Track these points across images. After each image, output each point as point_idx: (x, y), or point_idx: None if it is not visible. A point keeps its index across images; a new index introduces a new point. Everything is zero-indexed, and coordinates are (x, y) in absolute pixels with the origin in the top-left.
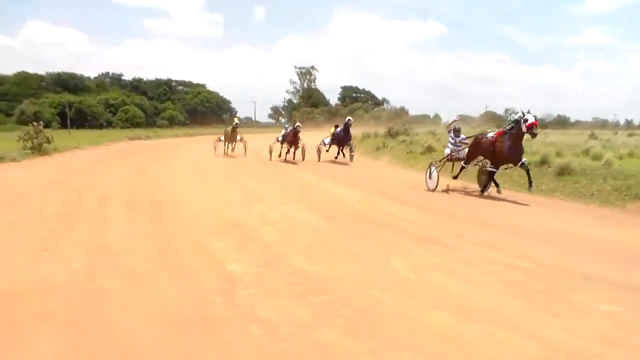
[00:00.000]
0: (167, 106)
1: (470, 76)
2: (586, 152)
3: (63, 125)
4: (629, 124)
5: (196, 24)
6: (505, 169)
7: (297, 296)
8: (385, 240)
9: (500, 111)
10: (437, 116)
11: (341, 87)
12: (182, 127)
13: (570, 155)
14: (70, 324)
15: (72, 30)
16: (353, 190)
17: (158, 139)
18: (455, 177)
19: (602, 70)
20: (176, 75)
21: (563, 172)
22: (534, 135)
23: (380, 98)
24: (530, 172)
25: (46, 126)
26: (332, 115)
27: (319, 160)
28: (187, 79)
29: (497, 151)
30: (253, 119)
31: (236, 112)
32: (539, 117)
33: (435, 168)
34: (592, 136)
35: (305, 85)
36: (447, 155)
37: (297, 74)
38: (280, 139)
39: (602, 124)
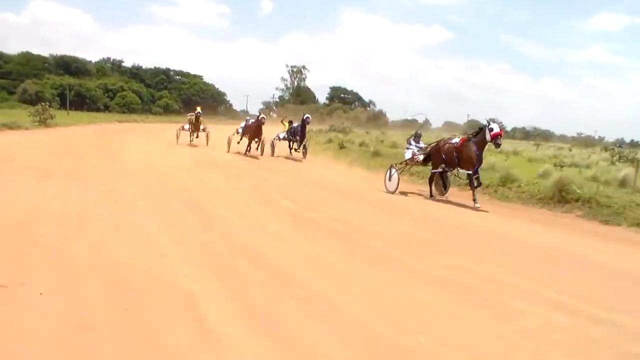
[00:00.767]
0: (164, 94)
1: (473, 84)
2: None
3: (62, 105)
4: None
5: (203, 14)
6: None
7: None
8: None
9: (484, 120)
10: (427, 121)
11: (330, 87)
12: (176, 115)
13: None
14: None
15: (77, 11)
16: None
17: (145, 124)
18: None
19: (602, 87)
20: (178, 64)
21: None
22: (497, 146)
23: (367, 100)
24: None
25: (50, 106)
26: (318, 113)
27: (273, 155)
28: (186, 69)
29: (464, 156)
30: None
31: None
32: (527, 128)
33: (396, 170)
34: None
35: (296, 83)
36: (409, 159)
37: (289, 72)
38: (240, 130)
39: (585, 140)
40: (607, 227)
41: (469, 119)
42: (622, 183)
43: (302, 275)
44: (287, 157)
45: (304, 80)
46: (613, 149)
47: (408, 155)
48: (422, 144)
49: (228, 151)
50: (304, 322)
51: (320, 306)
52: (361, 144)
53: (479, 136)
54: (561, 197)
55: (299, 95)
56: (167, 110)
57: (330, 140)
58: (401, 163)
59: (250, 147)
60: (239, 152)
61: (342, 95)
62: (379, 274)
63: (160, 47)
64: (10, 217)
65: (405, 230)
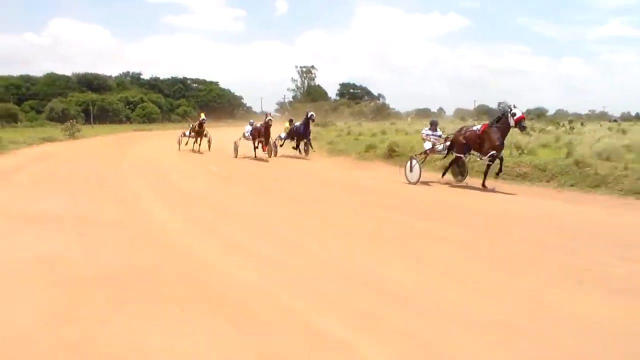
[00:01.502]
0: (182, 103)
1: (493, 69)
2: None
3: (87, 120)
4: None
5: (218, 19)
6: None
7: None
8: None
9: (493, 104)
10: (441, 109)
11: (340, 84)
12: (194, 120)
13: None
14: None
15: (96, 26)
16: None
17: (159, 131)
18: (443, 175)
19: (623, 62)
20: (197, 71)
21: None
22: (523, 129)
23: (376, 94)
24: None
25: (77, 122)
26: (323, 110)
27: (273, 156)
28: (204, 76)
29: (486, 142)
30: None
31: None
32: (543, 109)
33: (417, 162)
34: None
35: (306, 82)
36: (429, 149)
37: (298, 73)
38: (247, 134)
39: (598, 116)
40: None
41: (477, 104)
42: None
43: None
44: (289, 157)
45: (314, 79)
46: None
47: (427, 145)
48: (439, 132)
49: (236, 156)
50: None
51: None
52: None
53: (502, 122)
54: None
55: (310, 94)
56: (186, 117)
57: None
58: (421, 153)
59: (257, 148)
60: (246, 156)
61: (352, 91)
62: None
63: (178, 56)
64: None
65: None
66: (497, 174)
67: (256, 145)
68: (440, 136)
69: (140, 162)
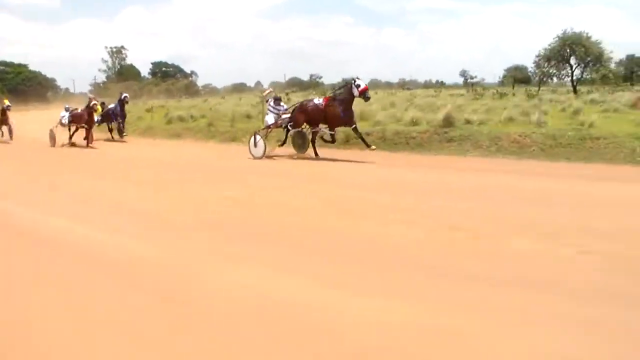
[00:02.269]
0: None
1: (319, 41)
2: None
3: None
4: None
5: None
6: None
7: None
8: None
9: (305, 77)
10: (259, 83)
11: (152, 63)
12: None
13: None
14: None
15: None
16: None
17: None
18: (281, 145)
19: (440, 32)
20: (9, 50)
21: None
22: (367, 99)
23: (188, 72)
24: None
25: None
26: (132, 90)
27: (69, 144)
28: (14, 57)
29: (330, 115)
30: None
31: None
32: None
33: (261, 137)
34: None
35: (117, 63)
36: (272, 124)
37: (108, 53)
38: (65, 121)
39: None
40: None
41: (287, 77)
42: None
43: None
44: (106, 141)
45: (124, 59)
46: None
47: (270, 119)
48: (283, 106)
49: (53, 146)
50: None
51: None
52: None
53: (344, 94)
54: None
55: (122, 74)
56: None
57: None
58: (264, 128)
59: (72, 137)
60: (64, 145)
61: (164, 69)
62: None
63: None
64: None
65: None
66: (367, 145)
67: (73, 132)
68: (286, 109)
69: None
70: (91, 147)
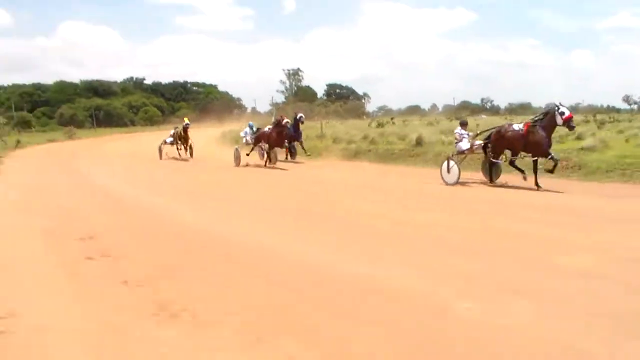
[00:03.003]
0: (182, 105)
1: (502, 63)
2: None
3: (94, 124)
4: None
5: (227, 19)
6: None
7: None
8: None
9: (476, 100)
10: (434, 106)
11: (327, 85)
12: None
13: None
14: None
15: (106, 28)
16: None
17: (150, 132)
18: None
19: (631, 53)
20: (206, 70)
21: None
22: (571, 128)
23: (361, 93)
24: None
25: (79, 126)
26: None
27: (238, 165)
28: (210, 76)
29: (532, 142)
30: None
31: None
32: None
33: (455, 162)
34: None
35: (294, 85)
36: (468, 149)
37: (286, 75)
38: (249, 139)
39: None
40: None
41: (459, 101)
42: None
43: None
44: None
45: (301, 81)
46: None
47: (465, 145)
48: (468, 133)
49: (237, 165)
50: None
51: None
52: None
53: (546, 120)
54: None
55: (297, 95)
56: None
57: None
58: (459, 153)
59: (269, 157)
60: (248, 164)
61: (338, 91)
62: None
63: (188, 57)
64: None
65: None
66: (552, 170)
67: (266, 151)
68: (470, 136)
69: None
70: (272, 167)
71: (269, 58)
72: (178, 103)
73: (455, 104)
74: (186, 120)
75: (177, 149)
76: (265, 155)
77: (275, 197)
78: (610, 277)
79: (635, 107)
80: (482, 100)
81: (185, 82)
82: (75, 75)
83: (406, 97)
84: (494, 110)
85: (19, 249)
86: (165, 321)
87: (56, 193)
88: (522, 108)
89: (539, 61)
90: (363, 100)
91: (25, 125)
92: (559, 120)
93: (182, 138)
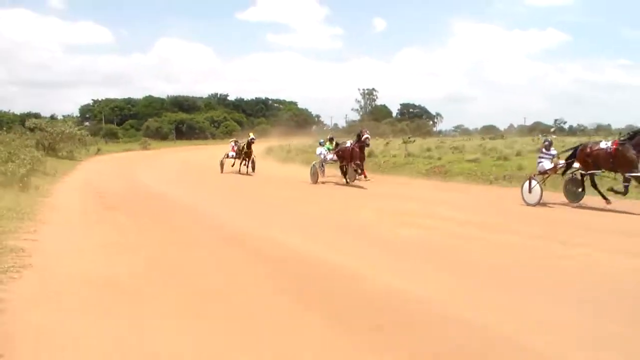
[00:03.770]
0: (262, 121)
1: (594, 83)
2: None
3: (177, 136)
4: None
5: (317, 38)
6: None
7: None
8: None
9: (549, 122)
10: (511, 126)
11: (400, 104)
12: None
13: None
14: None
15: (200, 45)
16: None
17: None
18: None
19: None
20: (294, 89)
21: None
22: None
23: (433, 113)
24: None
25: (163, 138)
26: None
27: (315, 182)
28: (289, 96)
29: (621, 160)
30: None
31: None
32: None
33: (537, 183)
34: None
35: (368, 104)
36: (550, 169)
37: (361, 94)
38: (328, 157)
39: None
40: None
41: (531, 121)
42: None
43: None
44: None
45: (375, 100)
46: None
47: (547, 165)
48: (553, 151)
49: (315, 182)
50: None
51: None
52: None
53: (636, 139)
54: None
55: (372, 113)
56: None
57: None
58: (541, 173)
59: (347, 173)
60: (324, 182)
61: (411, 110)
62: None
63: (276, 73)
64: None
65: None
66: (624, 193)
67: (349, 167)
68: (554, 156)
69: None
70: (353, 185)
71: (355, 76)
72: (258, 118)
73: (529, 124)
74: (251, 135)
75: (240, 163)
76: (350, 172)
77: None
78: None
79: None
80: (556, 121)
81: (267, 99)
82: (169, 90)
83: (490, 116)
84: (571, 132)
85: (69, 201)
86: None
87: (104, 181)
88: (600, 129)
89: (632, 81)
90: (435, 120)
91: (112, 136)
92: None
93: (245, 153)
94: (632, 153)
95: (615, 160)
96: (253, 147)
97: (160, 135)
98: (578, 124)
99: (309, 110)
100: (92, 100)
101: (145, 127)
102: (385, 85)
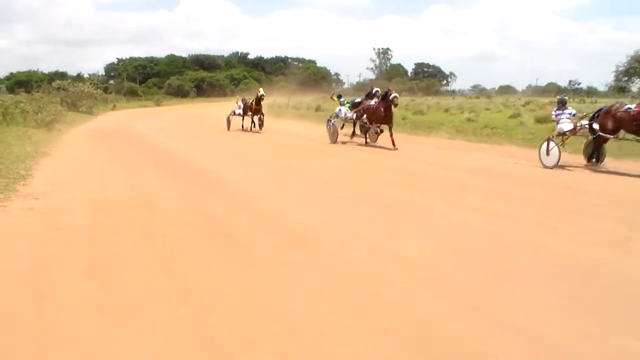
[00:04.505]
0: (280, 79)
1: (625, 44)
2: None
3: (198, 93)
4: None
5: None
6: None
7: None
8: None
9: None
10: (530, 87)
11: (414, 64)
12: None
13: None
14: None
15: (225, 2)
16: None
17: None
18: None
19: None
20: (319, 46)
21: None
22: None
23: (447, 73)
24: None
25: (184, 96)
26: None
27: (334, 142)
28: (311, 54)
29: None
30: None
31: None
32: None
33: (556, 144)
34: None
35: (383, 63)
36: (570, 130)
37: (376, 54)
38: (348, 115)
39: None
40: None
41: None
42: None
43: None
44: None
45: (389, 60)
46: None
47: (567, 126)
48: (570, 110)
49: (334, 142)
50: None
51: None
52: None
53: None
54: None
55: (388, 73)
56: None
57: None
58: (559, 135)
59: (367, 134)
60: (344, 142)
61: (425, 70)
62: None
63: (300, 31)
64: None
65: None
66: None
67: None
68: (572, 114)
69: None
70: (381, 147)
71: (379, 34)
72: (277, 76)
73: (544, 85)
74: (261, 91)
75: (246, 120)
76: (372, 133)
77: None
78: None
79: None
80: (570, 82)
81: (286, 57)
82: (194, 47)
83: (514, 76)
84: (590, 92)
85: (77, 137)
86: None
87: (110, 129)
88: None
89: None
90: (449, 79)
91: (133, 94)
92: None
93: (253, 109)
94: None
95: (639, 124)
96: (262, 103)
97: (182, 93)
98: (588, 86)
99: (328, 68)
100: (117, 59)
101: (167, 85)
102: (410, 43)
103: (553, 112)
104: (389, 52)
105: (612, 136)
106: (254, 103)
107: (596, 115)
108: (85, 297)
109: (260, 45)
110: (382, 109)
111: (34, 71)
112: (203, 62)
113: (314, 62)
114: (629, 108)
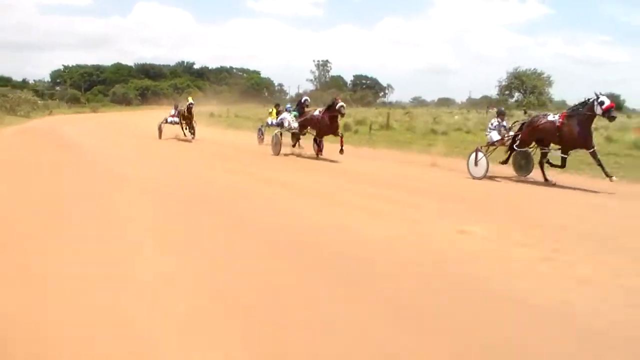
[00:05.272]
0: (224, 89)
1: (573, 58)
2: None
3: (142, 102)
4: None
5: (298, 4)
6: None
7: None
8: None
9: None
10: (469, 99)
11: (353, 76)
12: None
13: None
14: None
15: (178, 10)
16: None
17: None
18: (504, 163)
19: None
20: (274, 57)
21: None
22: (612, 118)
23: (384, 85)
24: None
25: (128, 104)
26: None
27: (277, 153)
28: (253, 65)
29: (566, 135)
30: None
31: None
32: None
33: (483, 154)
34: None
35: (322, 75)
36: (498, 141)
37: (315, 66)
38: (291, 123)
39: None
40: None
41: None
42: None
43: None
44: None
45: (329, 72)
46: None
47: (495, 136)
48: (505, 123)
49: (277, 154)
50: None
51: None
52: None
53: (585, 110)
54: None
55: (327, 84)
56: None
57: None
58: (488, 145)
59: (318, 146)
60: (292, 154)
61: (363, 82)
62: None
63: (255, 41)
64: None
65: None
66: (606, 174)
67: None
68: (505, 127)
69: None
70: (318, 157)
71: (334, 45)
72: (221, 87)
73: (478, 98)
74: (190, 100)
75: (182, 128)
76: (316, 145)
77: None
78: None
79: None
80: (500, 94)
81: (231, 67)
82: (146, 54)
83: (466, 89)
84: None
85: (9, 134)
86: None
87: (34, 129)
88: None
89: (611, 57)
90: (386, 91)
91: (76, 101)
92: (599, 110)
93: (185, 117)
94: (575, 129)
95: (561, 135)
96: (194, 112)
97: (126, 101)
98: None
99: (271, 79)
100: (63, 65)
101: (112, 92)
102: (361, 54)
103: (492, 122)
104: (328, 64)
105: (527, 148)
106: (185, 111)
107: (521, 127)
108: None
109: (213, 54)
110: (327, 119)
111: None
112: (149, 71)
113: (258, 73)
114: (553, 119)
